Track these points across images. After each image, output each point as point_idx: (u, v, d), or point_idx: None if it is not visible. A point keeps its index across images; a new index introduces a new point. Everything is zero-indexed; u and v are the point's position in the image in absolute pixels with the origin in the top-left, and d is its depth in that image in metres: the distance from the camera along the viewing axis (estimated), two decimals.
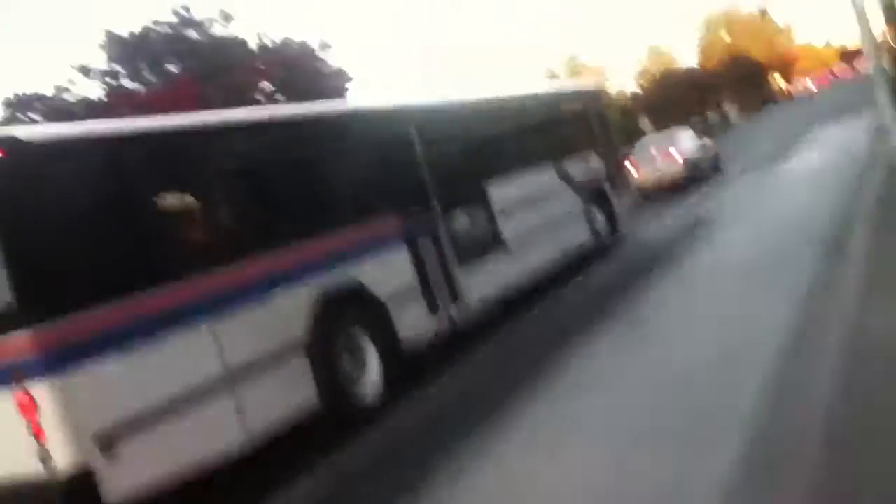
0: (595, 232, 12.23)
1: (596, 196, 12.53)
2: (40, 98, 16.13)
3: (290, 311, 6.59)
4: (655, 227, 14.00)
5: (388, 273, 7.80)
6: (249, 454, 5.86)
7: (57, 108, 15.87)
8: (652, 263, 10.29)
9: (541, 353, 7.32)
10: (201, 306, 5.84)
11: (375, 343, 7.38)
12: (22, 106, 15.94)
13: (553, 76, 51.42)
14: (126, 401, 5.16)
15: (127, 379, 5.22)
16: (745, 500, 3.61)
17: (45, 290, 4.97)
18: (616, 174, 13.73)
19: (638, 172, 19.53)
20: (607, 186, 13.03)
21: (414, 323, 7.95)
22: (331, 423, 6.69)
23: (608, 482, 4.20)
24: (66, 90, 16.38)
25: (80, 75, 17.96)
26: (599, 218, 12.50)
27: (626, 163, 18.58)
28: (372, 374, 7.30)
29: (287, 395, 6.33)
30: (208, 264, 6.05)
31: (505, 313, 9.40)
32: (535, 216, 10.59)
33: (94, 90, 18.28)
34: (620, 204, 13.45)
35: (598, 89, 15.18)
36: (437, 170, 9.00)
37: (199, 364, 5.71)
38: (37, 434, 4.83)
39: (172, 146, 6.28)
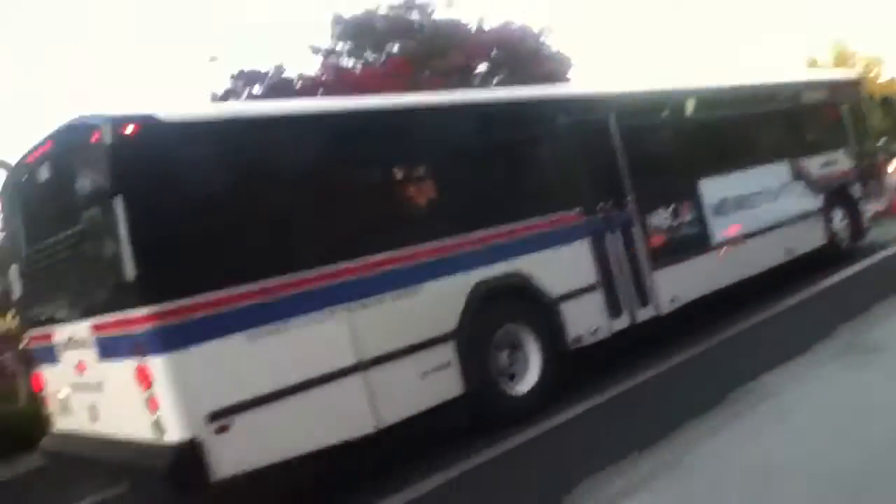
0: (832, 237, 10.52)
1: (838, 198, 10.81)
2: (260, 73, 17.09)
3: (442, 299, 6.08)
4: None
5: (565, 269, 7.11)
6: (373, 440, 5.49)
7: (274, 84, 16.73)
8: None
9: (732, 377, 6.04)
10: (336, 293, 5.46)
11: (539, 340, 6.72)
12: (245, 80, 17.04)
13: (814, 63, 46.32)
14: (243, 380, 4.92)
15: (248, 359, 4.97)
16: None
17: (169, 268, 4.83)
18: (868, 175, 11.71)
19: None
20: (854, 188, 11.20)
21: (589, 323, 7.14)
22: (475, 416, 6.25)
23: None
24: (282, 67, 17.29)
25: (309, 54, 19.09)
26: (839, 222, 10.78)
27: (889, 165, 16.12)
28: (531, 372, 6.66)
29: (425, 383, 5.84)
30: (352, 251, 5.68)
31: (702, 321, 8.14)
32: (756, 215, 9.32)
33: (313, 67, 19.13)
34: (869, 208, 11.51)
35: (855, 79, 13.06)
36: (638, 161, 8.09)
37: (327, 348, 5.34)
38: (151, 405, 4.72)
39: (318, 130, 5.90)
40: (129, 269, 4.67)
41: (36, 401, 11.95)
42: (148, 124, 4.94)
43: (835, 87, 12.14)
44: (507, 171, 7.19)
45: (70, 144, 5.31)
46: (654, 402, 6.18)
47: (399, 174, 6.61)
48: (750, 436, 4.80)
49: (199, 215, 5.04)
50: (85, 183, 5.04)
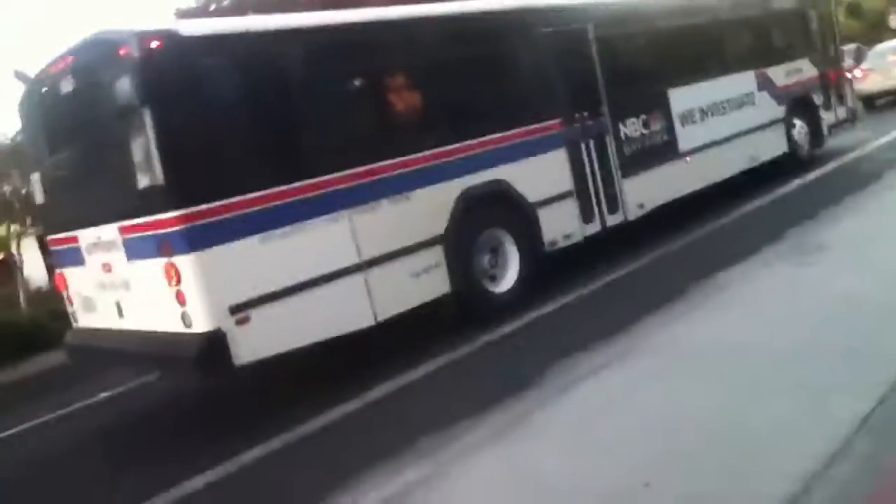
0: (792, 145, 11.21)
1: (799, 105, 11.45)
2: None
3: (430, 206, 6.69)
4: (870, 147, 12.36)
5: (541, 176, 7.69)
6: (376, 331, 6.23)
7: None
8: (850, 189, 9.13)
9: (686, 276, 6.81)
10: (339, 198, 6.04)
11: (517, 243, 7.40)
12: None
13: None
14: (259, 277, 5.55)
15: (262, 259, 5.58)
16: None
17: (193, 175, 5.35)
18: (831, 83, 12.28)
19: (866, 81, 17.50)
20: (816, 96, 11.80)
21: (563, 228, 7.82)
22: (461, 313, 6.96)
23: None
24: None
25: None
26: (800, 130, 11.45)
27: (854, 71, 16.62)
28: (510, 272, 7.35)
29: (417, 282, 6.54)
30: (352, 160, 6.22)
31: (669, 224, 8.90)
32: (720, 124, 9.94)
33: None
34: (830, 116, 12.15)
35: None
36: (613, 72, 8.61)
37: (332, 249, 5.98)
38: (179, 299, 5.34)
39: (320, 44, 6.32)
40: (159, 175, 5.19)
41: (36, 304, 12.55)
42: (171, 38, 5.39)
43: None
44: (490, 83, 7.67)
45: (95, 58, 5.71)
46: (614, 301, 6.96)
47: (398, 84, 7.00)
48: (700, 323, 5.59)
49: (217, 125, 5.54)
50: (111, 95, 5.44)
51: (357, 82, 6.80)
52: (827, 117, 12.05)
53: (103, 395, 7.76)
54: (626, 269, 7.77)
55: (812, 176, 10.83)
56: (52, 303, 10.47)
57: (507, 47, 7.92)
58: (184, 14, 16.33)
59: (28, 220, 13.66)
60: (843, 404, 3.71)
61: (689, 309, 5.92)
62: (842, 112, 12.58)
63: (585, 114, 8.22)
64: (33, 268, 15.15)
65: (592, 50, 8.42)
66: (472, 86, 7.44)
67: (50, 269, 17.47)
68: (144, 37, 5.28)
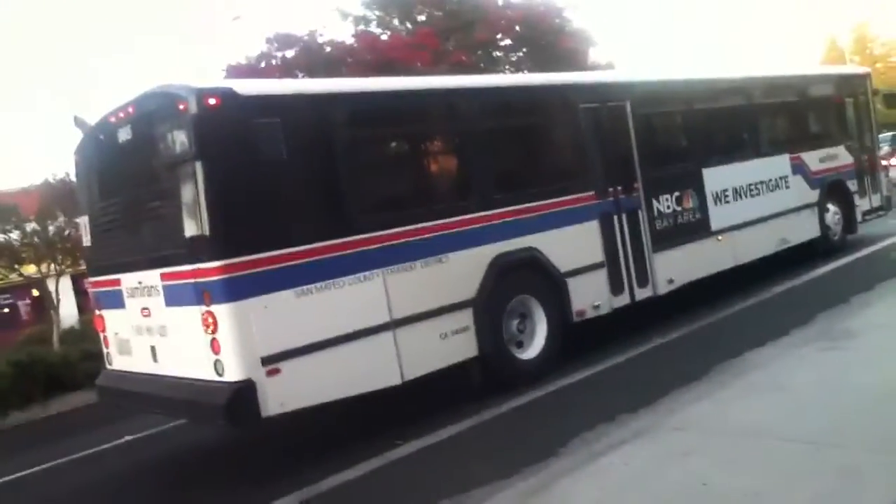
0: (825, 229, 11.21)
1: (833, 191, 11.49)
2: (295, 37, 17.62)
3: (463, 270, 6.79)
4: None
5: (573, 247, 7.79)
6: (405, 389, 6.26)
7: (307, 47, 17.28)
8: (881, 275, 9.08)
9: (716, 354, 6.81)
10: (375, 257, 6.18)
11: (546, 311, 7.45)
12: (278, 43, 17.59)
13: (834, 47, 46.18)
14: (293, 330, 5.65)
15: (297, 312, 5.69)
16: None
17: (238, 227, 5.54)
18: (866, 170, 12.35)
19: None
20: (851, 182, 11.87)
21: (592, 298, 7.87)
22: (486, 377, 6.98)
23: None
24: (317, 33, 17.78)
25: (336, 18, 19.86)
26: (833, 215, 11.48)
27: (891, 160, 16.70)
28: (537, 340, 7.39)
29: (445, 344, 6.60)
30: (391, 221, 6.38)
31: (698, 300, 8.92)
32: (753, 205, 10.01)
33: (344, 33, 19.71)
34: (864, 203, 12.20)
35: (861, 74, 13.56)
36: (649, 148, 8.80)
37: (364, 307, 6.09)
38: (213, 347, 5.47)
39: (367, 108, 6.59)
40: (205, 226, 5.38)
41: (69, 343, 12.78)
42: (228, 96, 5.65)
43: (842, 80, 12.71)
44: (528, 153, 7.94)
45: (154, 110, 5.98)
46: (640, 375, 6.98)
47: (439, 149, 7.35)
48: (727, 403, 5.54)
49: (265, 180, 5.73)
50: (166, 146, 5.70)
51: (400, 146, 7.07)
52: (861, 204, 12.09)
53: (127, 437, 7.84)
54: (654, 344, 7.81)
55: (844, 261, 10.81)
56: (84, 342, 10.65)
57: (547, 120, 8.17)
58: (233, 70, 16.99)
59: (68, 260, 14.00)
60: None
61: (716, 388, 5.90)
62: (876, 199, 12.60)
63: (620, 188, 8.36)
64: (65, 306, 15.45)
65: (630, 126, 8.60)
66: (510, 155, 7.68)
67: (81, 309, 17.84)
68: (203, 93, 5.55)
